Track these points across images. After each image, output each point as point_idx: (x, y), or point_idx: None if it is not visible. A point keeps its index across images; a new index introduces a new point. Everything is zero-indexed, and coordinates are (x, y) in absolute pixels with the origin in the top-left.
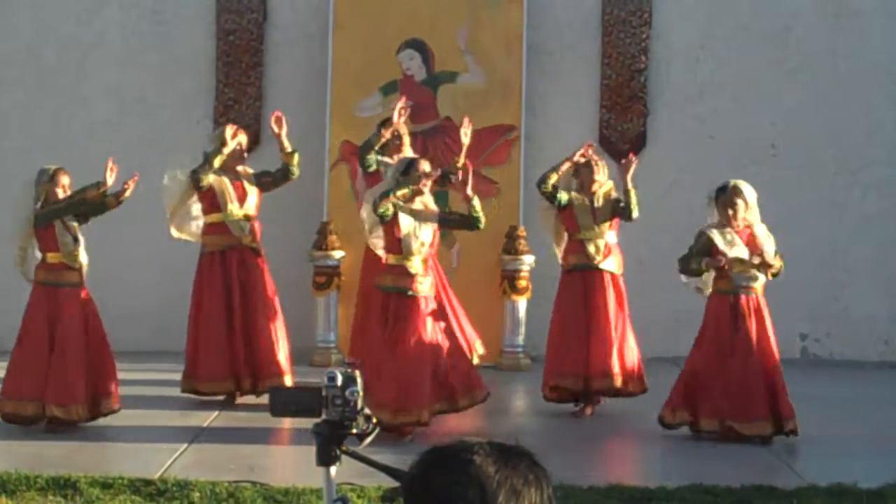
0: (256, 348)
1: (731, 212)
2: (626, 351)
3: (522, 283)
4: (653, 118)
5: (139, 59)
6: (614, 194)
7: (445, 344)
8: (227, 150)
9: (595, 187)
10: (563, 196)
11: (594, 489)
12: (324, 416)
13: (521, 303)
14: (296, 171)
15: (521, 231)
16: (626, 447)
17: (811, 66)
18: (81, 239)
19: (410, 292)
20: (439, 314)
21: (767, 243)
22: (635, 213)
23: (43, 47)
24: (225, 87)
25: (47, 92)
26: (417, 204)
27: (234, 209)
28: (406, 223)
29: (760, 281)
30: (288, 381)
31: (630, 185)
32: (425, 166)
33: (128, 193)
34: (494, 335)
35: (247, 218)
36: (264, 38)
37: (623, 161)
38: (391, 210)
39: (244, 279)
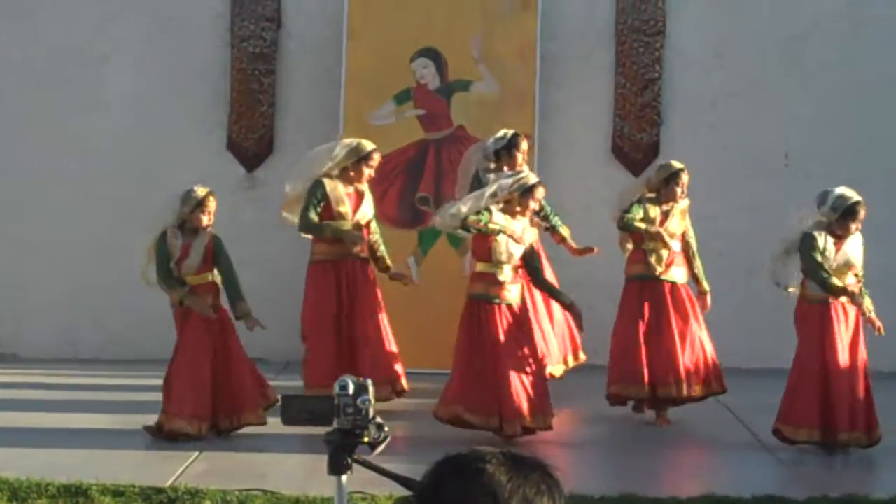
0: (362, 356)
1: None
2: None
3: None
4: (666, 128)
5: (154, 67)
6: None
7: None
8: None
9: None
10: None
11: (605, 499)
12: (335, 425)
13: None
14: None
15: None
16: (624, 456)
17: (825, 75)
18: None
19: (497, 300)
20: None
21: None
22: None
23: (60, 55)
24: (238, 94)
25: (65, 99)
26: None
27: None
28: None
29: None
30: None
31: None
32: (540, 194)
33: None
34: None
35: (358, 227)
36: (278, 46)
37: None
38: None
39: (354, 289)
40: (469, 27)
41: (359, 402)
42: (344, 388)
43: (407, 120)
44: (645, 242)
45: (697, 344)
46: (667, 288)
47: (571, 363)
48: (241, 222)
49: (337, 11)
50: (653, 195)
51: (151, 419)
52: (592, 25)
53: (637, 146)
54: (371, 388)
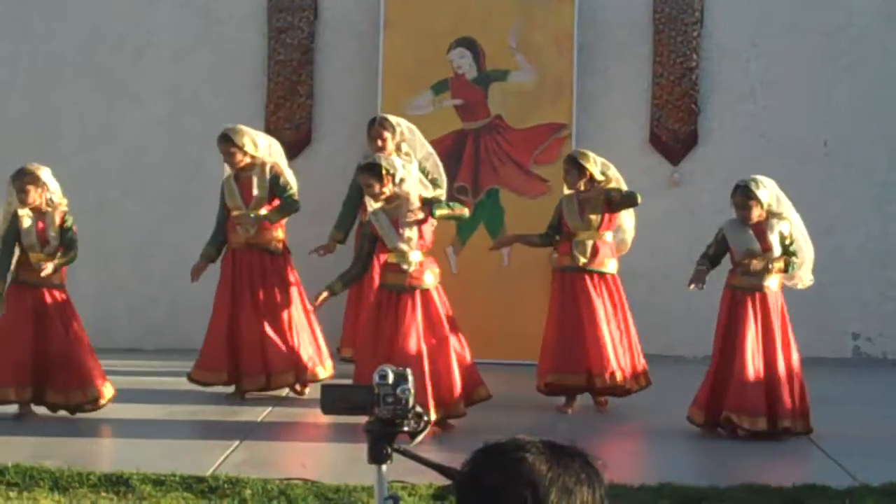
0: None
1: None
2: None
3: None
4: (704, 117)
5: (191, 58)
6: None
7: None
8: None
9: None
10: None
11: (644, 488)
12: (375, 414)
13: None
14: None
15: None
16: (669, 445)
17: (864, 64)
18: None
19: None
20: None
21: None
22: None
23: (96, 46)
24: (276, 85)
25: (101, 91)
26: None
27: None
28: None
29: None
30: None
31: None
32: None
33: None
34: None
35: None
36: (315, 36)
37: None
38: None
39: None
40: (506, 17)
41: (398, 391)
42: (384, 377)
43: (444, 110)
44: (576, 234)
45: (624, 335)
46: (592, 278)
47: None
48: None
49: (374, 1)
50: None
51: (192, 409)
52: (630, 14)
53: (675, 135)
54: (411, 378)
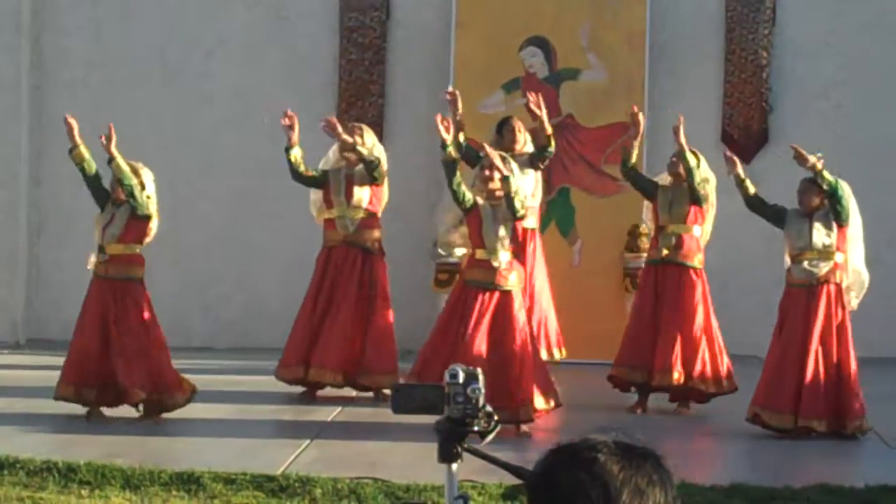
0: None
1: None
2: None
3: None
4: (776, 115)
5: (263, 58)
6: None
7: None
8: None
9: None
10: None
11: (716, 488)
12: (445, 413)
13: None
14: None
15: (644, 229)
16: (737, 446)
17: None
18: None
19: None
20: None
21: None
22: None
23: (168, 46)
24: (347, 84)
25: (174, 90)
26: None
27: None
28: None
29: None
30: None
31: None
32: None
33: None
34: (618, 332)
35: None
36: (387, 35)
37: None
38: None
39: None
40: (578, 16)
41: (469, 390)
42: (454, 376)
43: (516, 109)
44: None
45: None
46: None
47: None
48: None
49: (446, 1)
50: None
51: (263, 408)
52: (702, 13)
53: (747, 134)
54: (482, 378)
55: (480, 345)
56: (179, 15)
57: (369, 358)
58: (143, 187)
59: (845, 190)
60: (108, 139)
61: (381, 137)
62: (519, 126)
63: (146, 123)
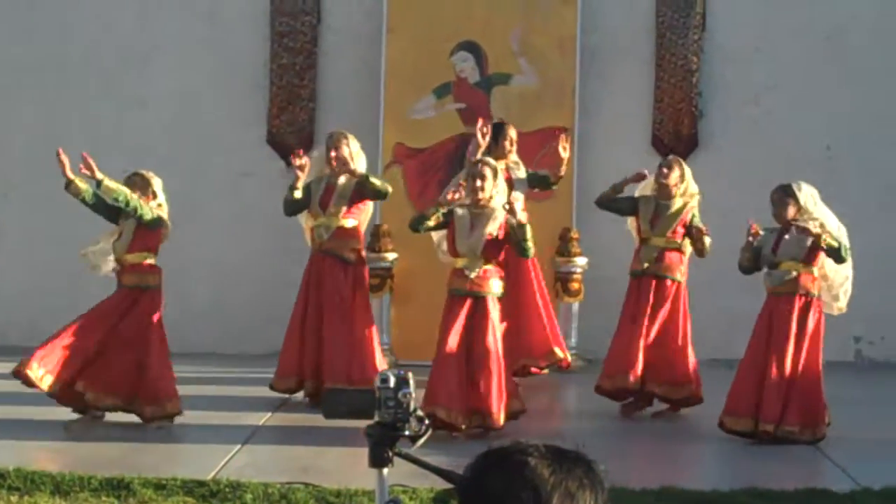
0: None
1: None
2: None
3: (575, 285)
4: (706, 120)
5: (195, 62)
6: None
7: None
8: None
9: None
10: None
11: (647, 492)
12: (376, 418)
13: (574, 305)
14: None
15: (575, 233)
16: (676, 449)
17: (867, 68)
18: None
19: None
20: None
21: None
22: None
23: (101, 50)
24: (279, 89)
25: (107, 94)
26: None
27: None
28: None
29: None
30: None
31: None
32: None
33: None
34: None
35: None
36: (318, 40)
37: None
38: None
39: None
40: (508, 20)
41: (400, 395)
42: (385, 381)
43: (447, 114)
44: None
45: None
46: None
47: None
48: (282, 215)
49: (376, 5)
50: None
51: (194, 414)
52: (632, 18)
53: (677, 138)
54: (412, 382)
55: (453, 349)
56: (113, 18)
57: (354, 369)
58: (154, 196)
59: (843, 240)
60: (90, 168)
61: (311, 142)
62: (513, 134)
63: (80, 127)
